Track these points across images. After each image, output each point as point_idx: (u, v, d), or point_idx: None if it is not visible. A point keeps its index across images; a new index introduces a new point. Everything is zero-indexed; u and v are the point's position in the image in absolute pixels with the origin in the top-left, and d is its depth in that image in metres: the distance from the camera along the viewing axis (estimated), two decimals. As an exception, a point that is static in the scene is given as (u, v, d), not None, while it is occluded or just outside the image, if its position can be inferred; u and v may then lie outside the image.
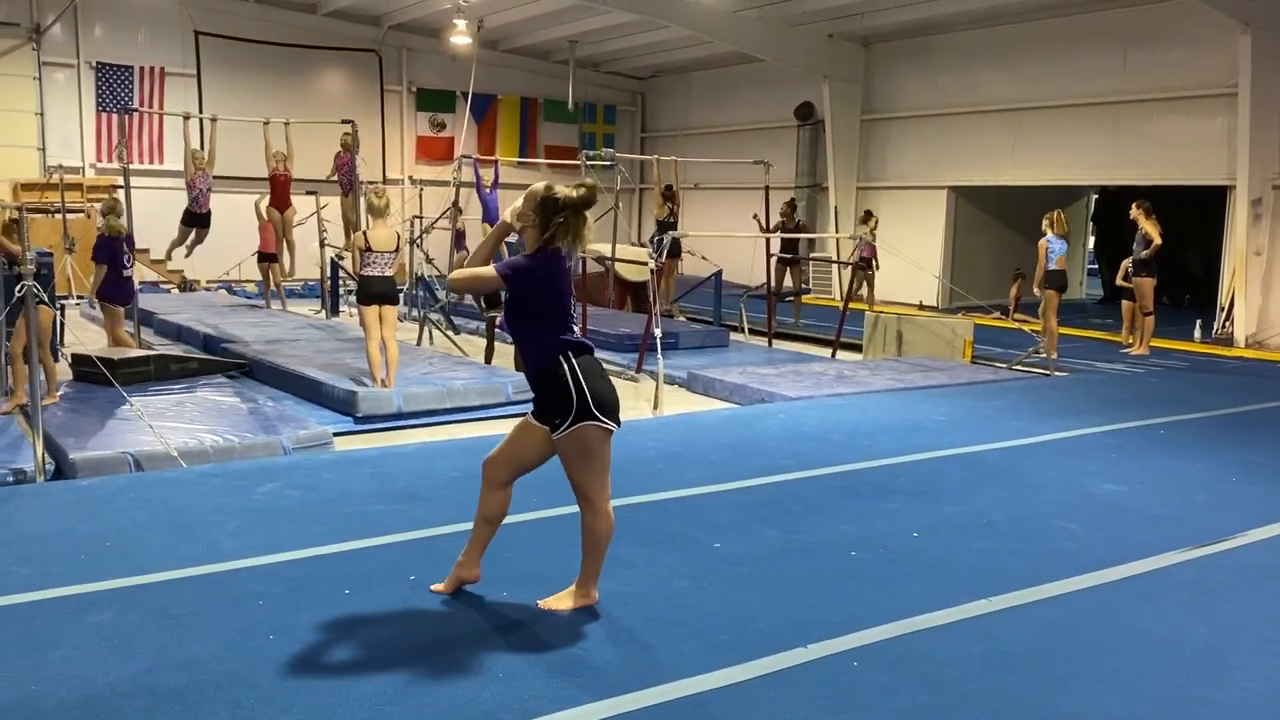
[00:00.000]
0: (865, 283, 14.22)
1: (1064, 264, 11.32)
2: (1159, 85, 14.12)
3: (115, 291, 8.91)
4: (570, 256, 3.80)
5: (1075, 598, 4.13)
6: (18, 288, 6.47)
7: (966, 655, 3.53)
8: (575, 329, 3.84)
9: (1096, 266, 19.85)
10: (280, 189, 13.48)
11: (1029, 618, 3.90)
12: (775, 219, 14.32)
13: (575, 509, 3.74)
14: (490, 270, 3.75)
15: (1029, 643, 3.66)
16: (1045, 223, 11.27)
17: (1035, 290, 11.25)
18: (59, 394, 7.71)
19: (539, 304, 3.75)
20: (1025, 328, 11.41)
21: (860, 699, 3.20)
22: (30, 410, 6.18)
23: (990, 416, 7.71)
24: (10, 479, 5.77)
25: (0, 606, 3.74)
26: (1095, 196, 18.85)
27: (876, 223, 14.40)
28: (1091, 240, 19.82)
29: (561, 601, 3.86)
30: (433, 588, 3.98)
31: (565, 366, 3.69)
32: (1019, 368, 10.87)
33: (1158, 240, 11.18)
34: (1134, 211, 11.46)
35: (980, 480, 5.91)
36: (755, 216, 13.87)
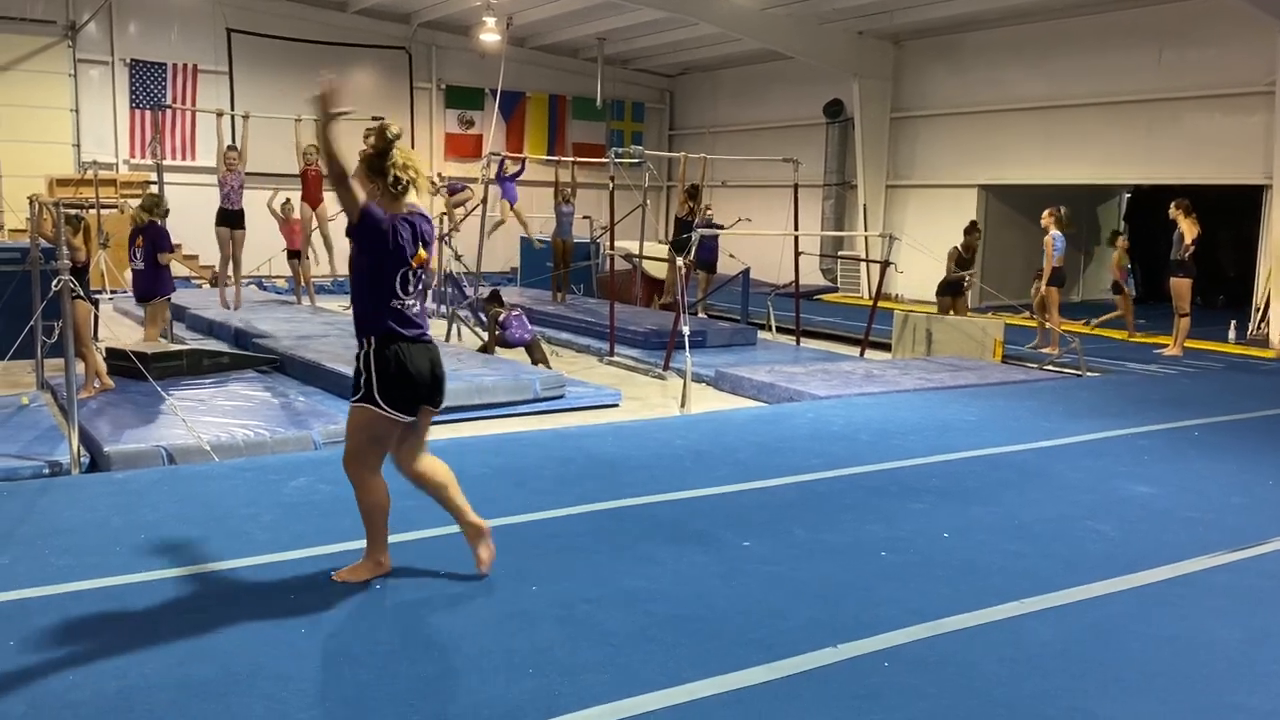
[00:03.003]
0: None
1: (1063, 261, 11.58)
2: (1194, 83, 13.95)
3: (135, 283, 8.96)
4: (401, 222, 3.80)
5: (1107, 601, 4.09)
6: (54, 282, 6.57)
7: (997, 658, 3.51)
8: (400, 306, 3.86)
9: (1130, 267, 19.58)
10: (311, 186, 13.57)
11: (1060, 621, 3.86)
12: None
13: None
14: (361, 196, 3.77)
15: (1060, 646, 3.63)
16: (1050, 219, 11.31)
17: (1042, 287, 11.48)
18: (97, 386, 7.81)
19: (367, 265, 3.83)
20: (1058, 328, 11.31)
21: (890, 700, 3.19)
22: (65, 404, 6.27)
23: (1021, 417, 7.65)
24: (46, 471, 5.85)
25: (37, 597, 3.79)
26: (1128, 196, 18.65)
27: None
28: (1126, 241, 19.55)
29: (356, 573, 3.99)
30: (334, 575, 4.05)
31: (370, 350, 3.84)
32: (1050, 368, 10.78)
33: (1189, 240, 11.08)
34: (1173, 211, 11.35)
35: (1011, 481, 5.87)
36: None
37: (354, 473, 3.97)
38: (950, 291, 11.96)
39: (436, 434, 7.38)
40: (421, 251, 3.86)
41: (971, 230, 12.23)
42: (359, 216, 3.75)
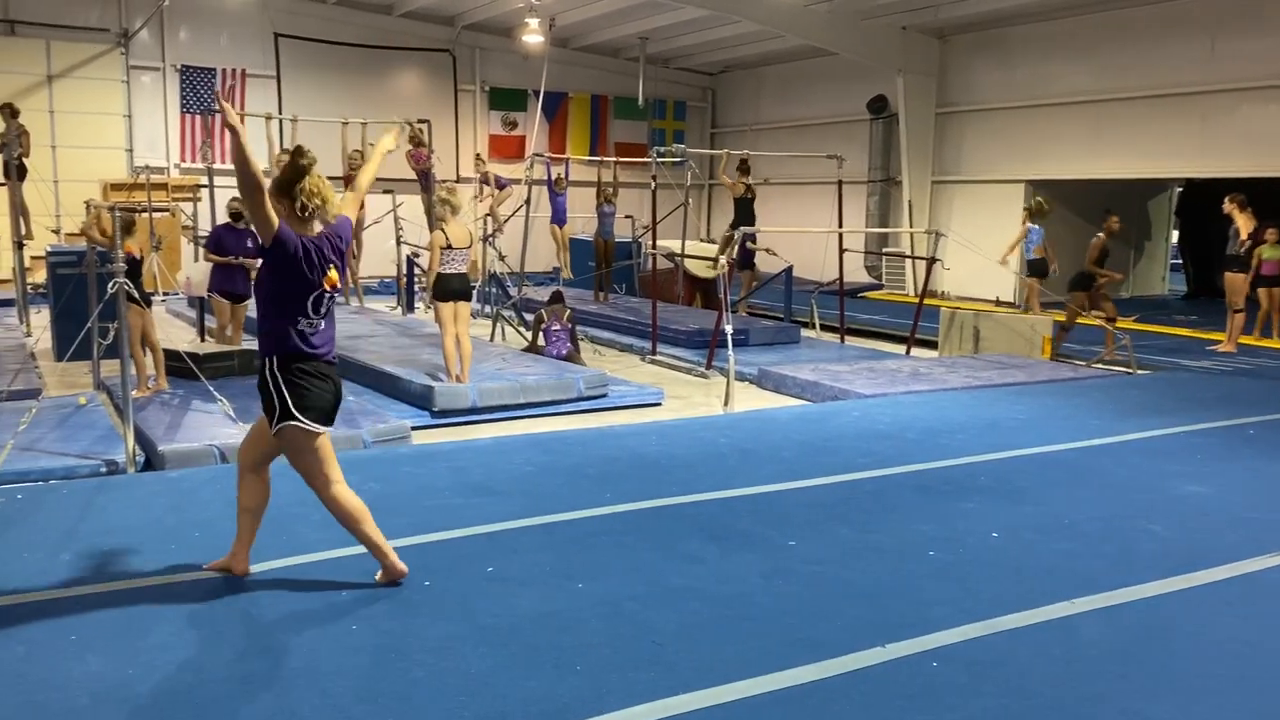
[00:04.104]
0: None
1: (1042, 252, 11.73)
2: (1249, 73, 13.66)
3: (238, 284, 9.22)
4: (306, 241, 3.81)
5: (1160, 601, 4.03)
6: (110, 285, 6.71)
7: (1049, 658, 3.47)
8: (308, 327, 3.87)
9: (1181, 262, 19.28)
10: None
11: (1112, 621, 3.81)
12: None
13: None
14: (273, 217, 3.72)
15: (1113, 647, 3.58)
16: (1024, 212, 11.72)
17: (1001, 262, 11.86)
18: (151, 387, 7.96)
19: (277, 286, 3.83)
20: (1108, 326, 11.14)
21: (941, 700, 3.17)
22: (121, 404, 6.40)
23: (1070, 415, 7.55)
24: (103, 470, 5.99)
25: (97, 593, 3.88)
26: (1179, 190, 18.32)
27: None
28: (1175, 235, 19.26)
29: (385, 574, 3.98)
30: (205, 565, 4.10)
31: (275, 369, 3.82)
32: (1100, 365, 10.63)
33: (1244, 235, 10.89)
34: (1227, 205, 11.15)
35: (1060, 480, 5.80)
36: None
37: (327, 498, 3.96)
38: (1083, 285, 10.95)
39: (481, 432, 7.48)
40: (331, 274, 3.88)
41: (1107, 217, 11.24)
42: (271, 239, 3.76)
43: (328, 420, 3.95)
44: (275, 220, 3.74)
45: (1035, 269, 11.66)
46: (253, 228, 3.71)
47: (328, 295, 3.91)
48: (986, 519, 5.00)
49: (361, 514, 3.97)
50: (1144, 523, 5.00)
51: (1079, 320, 10.94)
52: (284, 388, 3.83)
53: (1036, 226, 11.71)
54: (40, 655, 3.36)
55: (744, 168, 13.43)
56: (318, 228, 3.89)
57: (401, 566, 4.01)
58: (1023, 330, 10.99)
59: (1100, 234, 10.91)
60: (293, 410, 3.83)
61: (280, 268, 3.80)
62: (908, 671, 3.36)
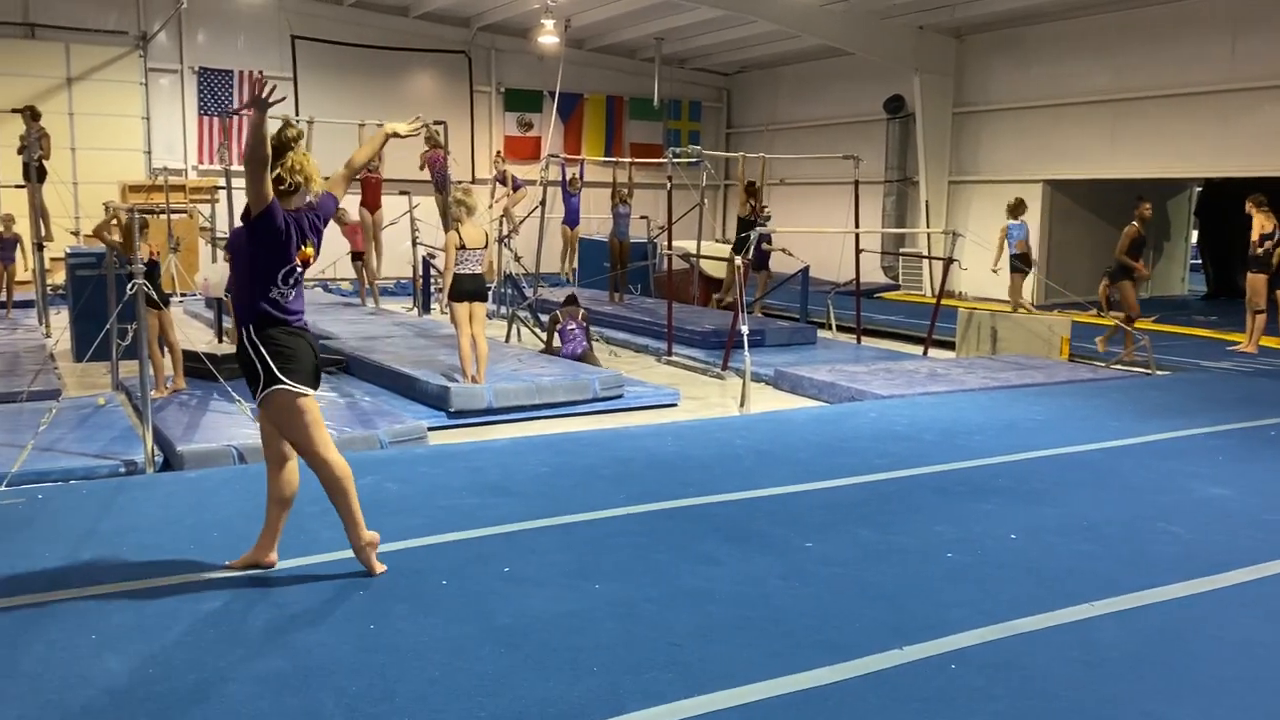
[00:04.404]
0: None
1: (1023, 247, 12.33)
2: (1270, 73, 13.55)
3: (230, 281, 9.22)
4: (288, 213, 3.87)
5: (1180, 604, 4.00)
6: (129, 287, 6.75)
7: (1067, 661, 3.45)
8: (279, 295, 3.91)
9: (1200, 262, 19.15)
10: (371, 191, 13.79)
11: (1132, 624, 3.79)
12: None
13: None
14: (269, 191, 3.79)
15: (1133, 649, 3.56)
16: (1008, 210, 12.26)
17: (993, 270, 12.24)
18: (169, 387, 8.01)
19: (255, 256, 3.87)
20: (1125, 326, 11.08)
21: (958, 703, 3.15)
22: (140, 404, 6.43)
23: (1089, 416, 7.51)
24: (122, 470, 6.03)
25: (116, 593, 3.90)
26: (1199, 190, 18.20)
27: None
28: (1195, 235, 19.13)
29: (370, 564, 4.05)
30: (227, 563, 4.13)
31: (252, 335, 3.87)
32: (1119, 366, 10.56)
33: (1257, 234, 10.82)
34: (1248, 205, 11.08)
35: (1079, 481, 5.76)
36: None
37: (319, 462, 3.99)
38: (1126, 275, 10.75)
39: (497, 433, 7.49)
40: (307, 248, 3.94)
41: (1139, 204, 11.04)
42: (263, 210, 3.80)
43: (314, 383, 4.01)
44: (271, 194, 3.81)
45: (1016, 264, 12.16)
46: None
47: (299, 269, 3.96)
48: (1005, 520, 4.97)
49: (349, 482, 4.02)
50: (1164, 524, 4.96)
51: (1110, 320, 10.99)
52: (265, 354, 3.88)
53: (1016, 222, 12.20)
54: (60, 654, 3.37)
55: (750, 189, 13.45)
56: (297, 203, 3.94)
57: (375, 556, 4.08)
58: (1040, 331, 10.94)
59: (1133, 223, 10.81)
60: (277, 374, 3.88)
61: (262, 238, 3.86)
62: (925, 674, 3.34)
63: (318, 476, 4.03)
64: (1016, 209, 12.26)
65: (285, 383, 3.88)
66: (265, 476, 4.14)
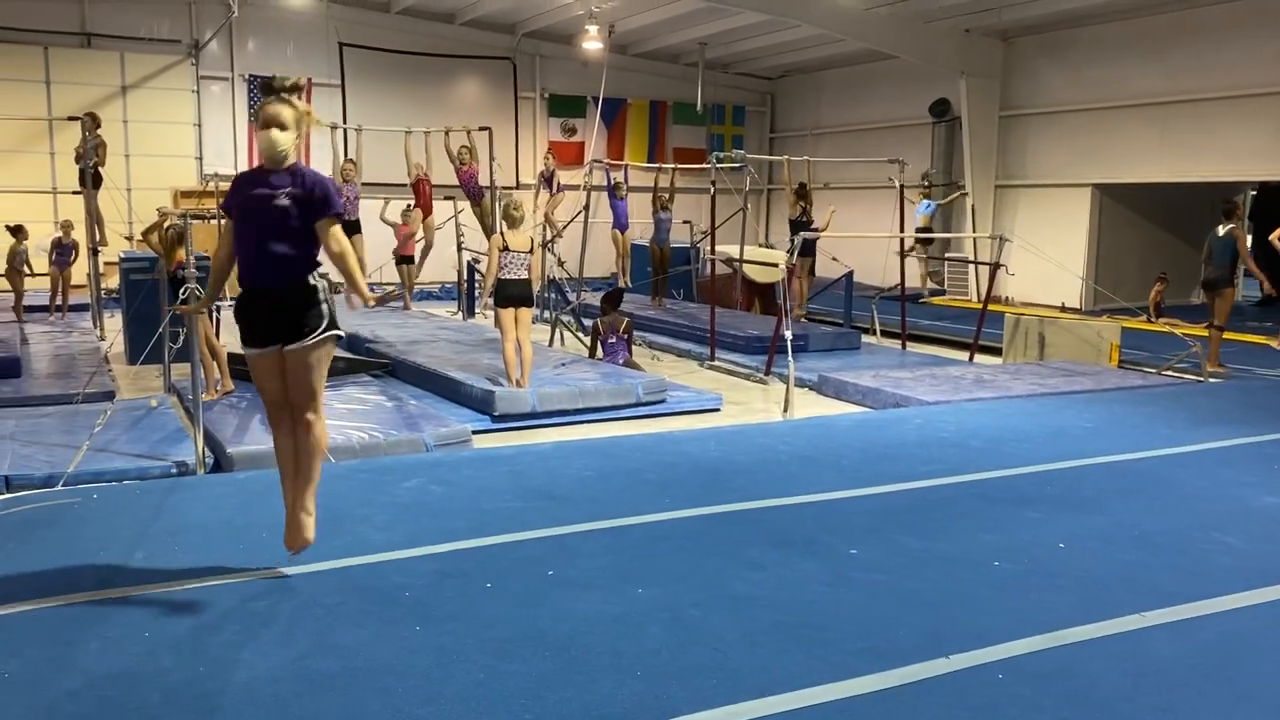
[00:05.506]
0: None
1: (927, 221, 13.06)
2: (1329, 73, 13.27)
3: None
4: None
5: (1235, 616, 3.92)
6: (181, 290, 6.87)
7: (1119, 672, 3.40)
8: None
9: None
10: (423, 195, 13.98)
11: (1185, 635, 3.72)
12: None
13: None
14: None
15: (1187, 661, 3.49)
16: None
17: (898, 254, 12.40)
18: (219, 390, 8.14)
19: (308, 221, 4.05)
20: (1176, 331, 10.88)
21: (1006, 713, 3.11)
22: (191, 406, 6.55)
23: (1140, 423, 7.39)
24: (174, 471, 6.13)
25: (168, 592, 3.97)
26: (1253, 193, 17.84)
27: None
28: (1249, 240, 18.74)
29: (308, 531, 4.13)
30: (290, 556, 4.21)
31: (322, 281, 4.05)
32: (1169, 373, 10.38)
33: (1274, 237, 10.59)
34: None
35: (1129, 490, 5.67)
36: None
37: (316, 412, 4.11)
38: (1228, 283, 10.50)
39: (541, 436, 7.53)
40: None
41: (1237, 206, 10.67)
42: (333, 200, 4.13)
43: None
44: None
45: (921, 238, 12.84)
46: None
47: None
48: (1053, 529, 4.91)
49: (324, 445, 4.20)
50: (1218, 534, 4.87)
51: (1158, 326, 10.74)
52: (329, 299, 4.08)
53: (927, 200, 12.97)
54: (114, 651, 3.44)
55: (800, 191, 13.41)
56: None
57: (307, 531, 4.16)
58: (1089, 337, 10.78)
59: (1237, 225, 10.37)
60: (337, 319, 4.08)
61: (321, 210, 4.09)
62: (972, 683, 3.30)
63: (309, 431, 4.12)
64: (929, 190, 12.63)
65: (339, 328, 4.10)
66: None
